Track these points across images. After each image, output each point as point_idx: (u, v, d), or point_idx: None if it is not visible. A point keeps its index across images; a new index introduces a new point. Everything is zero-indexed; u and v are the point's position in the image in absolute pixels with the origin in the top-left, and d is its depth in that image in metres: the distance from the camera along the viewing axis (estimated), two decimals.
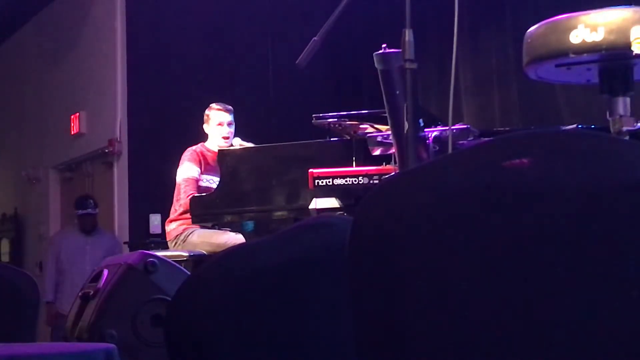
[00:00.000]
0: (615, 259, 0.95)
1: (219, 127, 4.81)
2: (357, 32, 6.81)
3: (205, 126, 4.89)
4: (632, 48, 2.16)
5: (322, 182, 3.53)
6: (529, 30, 2.39)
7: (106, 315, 2.69)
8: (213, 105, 4.90)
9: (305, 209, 3.66)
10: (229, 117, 4.84)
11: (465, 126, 3.48)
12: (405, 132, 2.62)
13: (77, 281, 6.72)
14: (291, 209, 3.76)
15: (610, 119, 2.37)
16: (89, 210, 6.82)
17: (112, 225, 7.08)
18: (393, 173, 3.33)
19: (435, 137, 3.36)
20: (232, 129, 4.84)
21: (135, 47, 7.01)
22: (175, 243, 4.68)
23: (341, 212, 3.56)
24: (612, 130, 2.35)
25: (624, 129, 2.33)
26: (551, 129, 3.41)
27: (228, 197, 3.96)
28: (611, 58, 2.26)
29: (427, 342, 0.97)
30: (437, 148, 3.35)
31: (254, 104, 6.80)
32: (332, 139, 3.85)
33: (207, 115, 4.88)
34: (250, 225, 3.97)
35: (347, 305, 1.05)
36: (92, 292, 2.78)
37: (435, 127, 3.42)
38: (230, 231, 4.39)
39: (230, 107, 4.90)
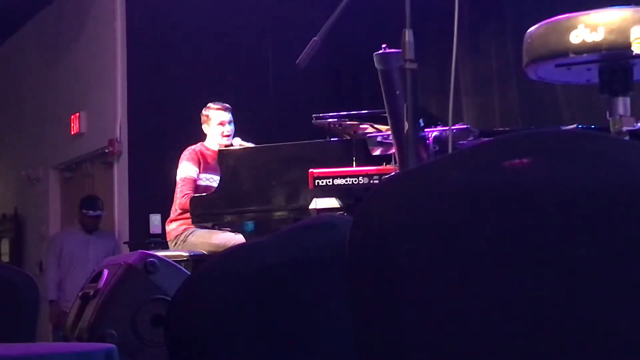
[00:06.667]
0: (615, 259, 0.95)
1: (219, 126, 4.81)
2: (357, 32, 6.81)
3: (204, 126, 4.88)
4: (632, 48, 2.16)
5: (322, 182, 3.53)
6: (529, 30, 2.39)
7: (106, 315, 2.69)
8: (211, 104, 4.89)
9: (305, 209, 3.66)
10: (228, 116, 4.85)
11: (465, 126, 3.48)
12: (405, 132, 2.62)
13: (80, 279, 6.75)
14: (291, 209, 3.76)
15: (610, 119, 2.37)
16: (99, 212, 6.87)
17: (112, 225, 7.09)
18: (393, 173, 3.33)
19: (435, 137, 3.36)
20: (233, 127, 4.85)
21: (135, 47, 7.01)
22: (175, 243, 4.68)
23: (341, 212, 3.56)
24: (612, 130, 2.36)
25: (624, 129, 2.33)
26: (551, 129, 3.41)
27: (228, 197, 3.95)
28: (611, 58, 2.26)
29: (428, 342, 0.97)
30: (437, 148, 3.35)
31: (254, 104, 6.80)
32: (332, 139, 3.85)
33: (207, 116, 4.87)
34: (250, 225, 3.97)
35: (347, 305, 1.05)
36: (92, 292, 2.78)
37: (435, 127, 3.42)
38: (230, 231, 4.39)
39: (228, 105, 4.89)
